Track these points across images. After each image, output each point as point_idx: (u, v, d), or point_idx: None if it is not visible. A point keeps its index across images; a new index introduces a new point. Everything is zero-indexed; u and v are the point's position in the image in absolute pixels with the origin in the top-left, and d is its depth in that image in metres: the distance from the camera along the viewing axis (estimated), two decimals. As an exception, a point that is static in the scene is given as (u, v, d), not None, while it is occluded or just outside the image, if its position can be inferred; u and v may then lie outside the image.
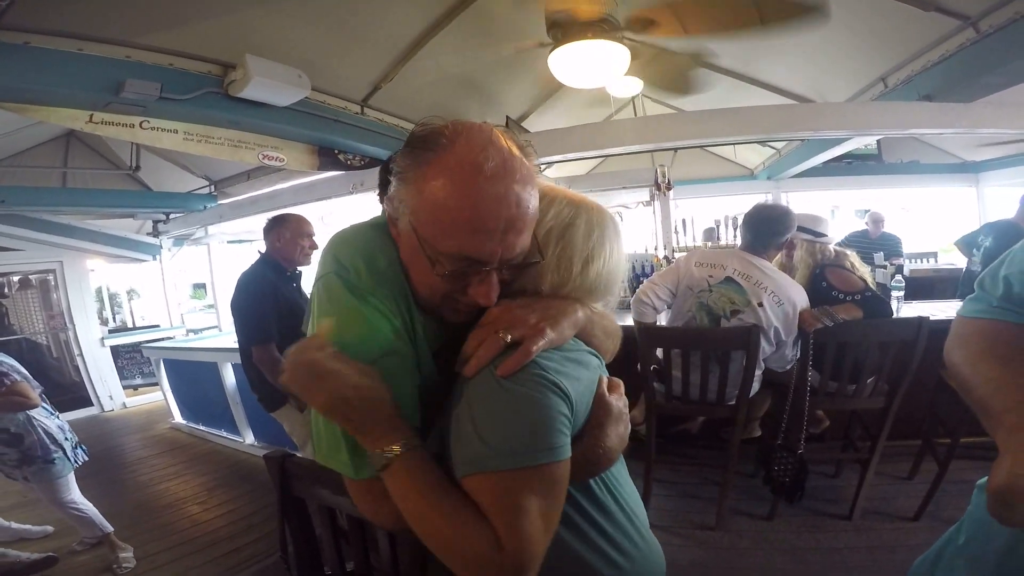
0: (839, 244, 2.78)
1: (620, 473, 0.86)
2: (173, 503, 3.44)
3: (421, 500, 0.66)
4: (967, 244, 4.21)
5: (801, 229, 2.51)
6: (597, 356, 0.82)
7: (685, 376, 2.32)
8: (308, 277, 2.58)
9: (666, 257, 4.22)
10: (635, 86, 4.47)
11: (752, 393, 2.36)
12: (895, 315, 2.57)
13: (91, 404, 6.08)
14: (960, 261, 4.99)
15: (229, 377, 4.11)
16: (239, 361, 2.67)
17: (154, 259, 6.58)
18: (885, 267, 4.48)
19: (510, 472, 0.64)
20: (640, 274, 4.22)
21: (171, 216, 6.07)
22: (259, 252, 2.66)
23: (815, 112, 3.85)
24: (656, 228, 4.45)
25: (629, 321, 2.49)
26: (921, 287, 4.81)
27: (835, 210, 7.53)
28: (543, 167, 3.94)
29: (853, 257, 2.59)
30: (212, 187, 5.72)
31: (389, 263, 0.75)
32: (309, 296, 2.24)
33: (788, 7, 3.25)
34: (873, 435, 2.38)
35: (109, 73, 2.55)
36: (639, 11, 3.31)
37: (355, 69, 3.54)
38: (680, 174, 5.25)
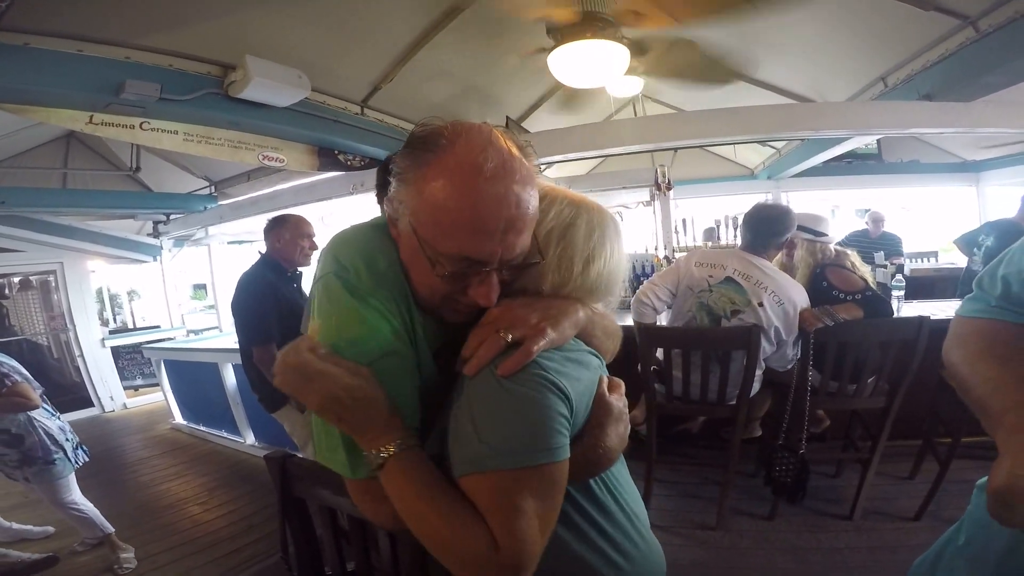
0: (839, 244, 2.78)
1: (621, 473, 0.86)
2: (174, 503, 3.44)
3: (417, 500, 0.66)
4: (967, 243, 4.20)
5: (802, 228, 2.51)
6: (598, 356, 0.82)
7: (686, 376, 2.32)
8: (308, 277, 2.58)
9: (666, 257, 4.21)
10: (635, 86, 4.47)
11: (753, 393, 2.36)
12: (895, 315, 2.57)
13: (92, 405, 6.08)
14: (960, 260, 4.99)
15: (230, 377, 4.11)
16: (240, 361, 2.68)
17: (154, 260, 6.58)
18: (885, 267, 4.48)
19: (508, 472, 0.64)
20: (640, 274, 4.22)
21: (171, 217, 6.07)
22: (259, 253, 2.66)
23: (815, 112, 3.85)
24: (656, 228, 4.45)
25: (629, 321, 2.48)
26: (921, 286, 4.81)
27: (835, 210, 7.53)
28: (543, 167, 3.94)
29: (854, 257, 2.59)
30: (212, 188, 5.73)
31: (389, 264, 0.75)
32: (308, 296, 2.23)
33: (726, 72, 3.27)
34: (874, 435, 2.37)
35: (109, 74, 2.56)
36: (625, 4, 3.29)
37: (355, 69, 3.54)
38: (680, 174, 5.25)
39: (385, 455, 0.67)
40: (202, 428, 4.78)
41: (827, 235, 2.58)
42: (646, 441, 2.46)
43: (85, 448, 2.74)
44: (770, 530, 2.41)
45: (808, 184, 6.43)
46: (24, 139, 4.60)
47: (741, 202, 6.04)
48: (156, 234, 6.35)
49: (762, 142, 5.58)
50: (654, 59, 4.02)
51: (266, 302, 2.44)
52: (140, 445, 4.83)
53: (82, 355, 6.10)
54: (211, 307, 7.10)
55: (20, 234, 5.49)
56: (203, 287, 8.08)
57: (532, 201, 0.71)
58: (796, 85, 4.27)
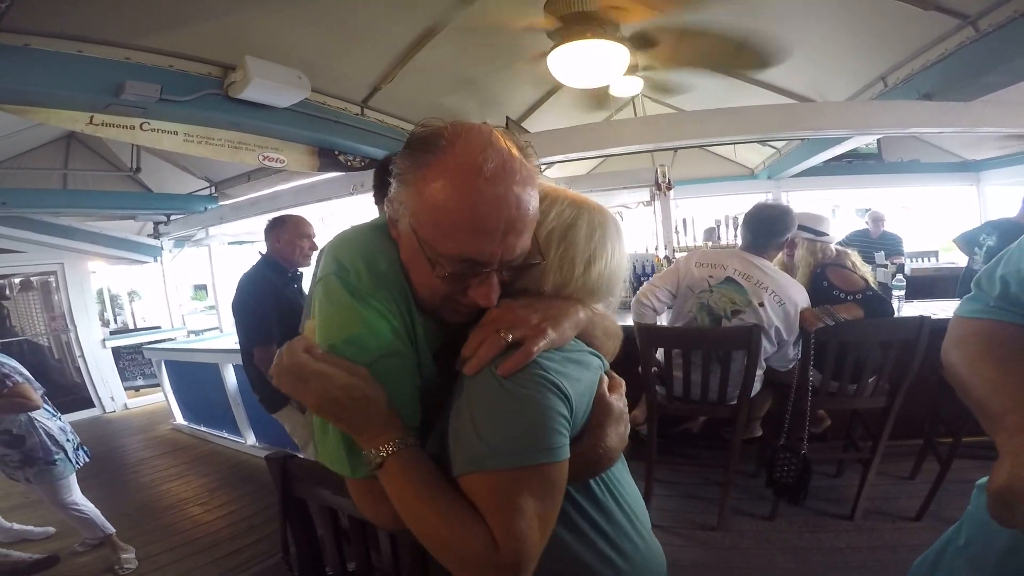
0: (840, 244, 2.77)
1: (621, 474, 0.86)
2: (174, 504, 3.45)
3: (416, 499, 0.66)
4: (967, 242, 4.19)
5: (802, 228, 2.51)
6: (598, 356, 0.82)
7: (686, 376, 2.32)
8: (309, 277, 2.58)
9: (667, 257, 4.21)
10: (635, 86, 4.47)
11: (753, 393, 2.36)
12: (896, 314, 2.57)
13: (93, 405, 6.08)
14: (961, 260, 4.98)
15: (230, 378, 4.11)
16: (240, 362, 2.68)
17: (155, 260, 6.58)
18: (886, 266, 4.47)
19: (508, 472, 0.64)
20: (641, 274, 4.22)
21: (172, 217, 6.08)
22: (260, 253, 2.66)
23: (815, 111, 3.85)
24: (657, 228, 4.45)
25: (629, 321, 2.48)
26: (922, 286, 4.80)
27: (836, 209, 7.52)
28: (543, 167, 3.94)
29: (854, 256, 2.59)
30: (213, 188, 5.73)
31: (390, 264, 0.75)
32: (307, 296, 2.23)
33: (763, 56, 3.27)
34: (874, 435, 2.37)
35: (109, 75, 2.56)
36: (644, 30, 3.30)
37: (355, 70, 3.54)
38: (680, 174, 5.25)
39: (384, 454, 0.67)
40: (203, 429, 4.78)
41: (828, 235, 2.58)
42: (647, 441, 2.46)
43: (86, 449, 2.75)
44: (771, 530, 2.41)
45: (808, 184, 6.44)
46: (24, 140, 4.61)
47: (741, 202, 6.04)
48: (156, 235, 6.35)
49: (762, 142, 5.58)
50: (659, 52, 3.99)
51: (267, 302, 2.45)
52: (141, 446, 4.84)
53: (83, 356, 6.10)
54: (212, 308, 7.10)
55: (21, 235, 5.50)
56: (204, 288, 8.08)
57: (532, 202, 0.71)
58: (796, 85, 4.26)
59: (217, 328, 6.29)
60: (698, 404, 2.39)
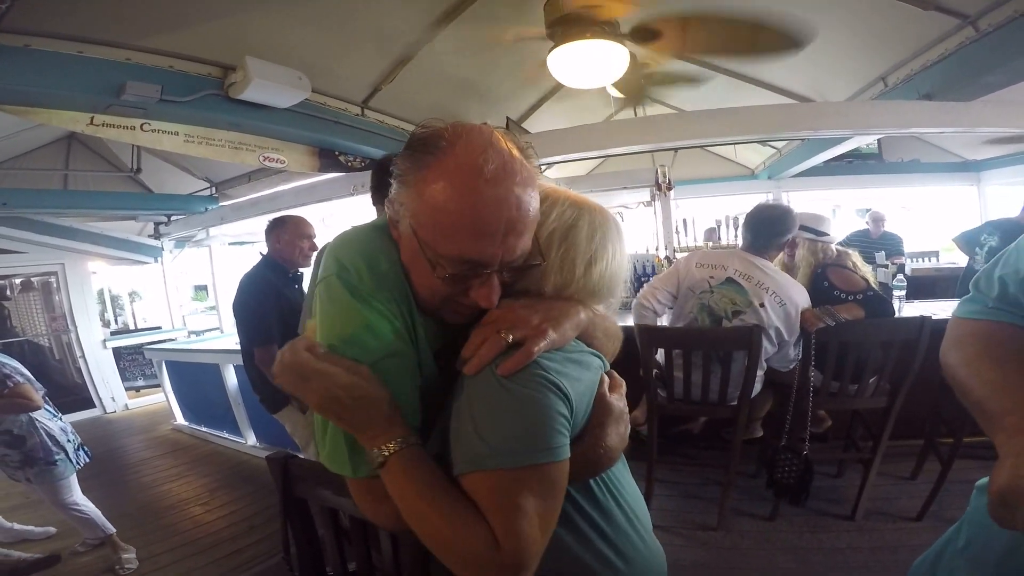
0: (840, 244, 2.78)
1: (622, 475, 0.86)
2: (175, 504, 3.45)
3: (418, 498, 0.66)
4: (968, 241, 4.18)
5: (803, 228, 2.51)
6: (599, 357, 0.82)
7: (687, 377, 2.32)
8: (309, 278, 2.58)
9: (667, 257, 4.21)
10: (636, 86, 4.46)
11: (754, 394, 2.36)
12: (897, 314, 2.57)
13: (93, 406, 6.09)
14: (962, 260, 4.98)
15: (231, 378, 4.11)
16: (241, 362, 2.68)
17: (156, 261, 6.59)
18: (886, 266, 4.47)
19: (509, 471, 0.64)
20: (641, 274, 4.22)
21: (172, 218, 6.09)
22: (261, 254, 2.66)
23: (815, 112, 3.85)
24: (657, 228, 4.45)
25: (630, 321, 2.48)
26: (923, 286, 4.80)
27: (836, 209, 7.52)
28: (543, 168, 3.94)
29: (855, 256, 2.59)
30: (213, 189, 5.74)
31: (391, 265, 0.75)
32: (306, 296, 2.21)
33: (780, 39, 3.27)
34: (875, 435, 2.37)
35: (110, 75, 2.57)
36: (645, 23, 3.29)
37: (355, 70, 3.55)
38: (681, 174, 5.25)
39: (387, 453, 0.67)
40: (203, 429, 4.78)
41: (829, 235, 2.58)
42: (647, 441, 2.46)
43: (87, 449, 2.75)
44: (771, 530, 2.41)
45: (809, 184, 6.43)
46: (25, 141, 4.61)
47: (742, 202, 6.05)
48: (157, 235, 6.36)
49: (762, 142, 5.58)
50: (661, 45, 3.96)
51: (267, 303, 2.45)
52: (141, 446, 4.84)
53: (84, 356, 6.11)
54: (212, 308, 7.11)
55: (21, 235, 5.50)
56: (204, 288, 8.09)
57: (533, 203, 0.71)
58: (796, 85, 4.26)
59: (218, 328, 6.30)
60: (698, 404, 2.38)
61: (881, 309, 2.30)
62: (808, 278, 2.50)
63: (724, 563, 2.24)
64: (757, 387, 2.40)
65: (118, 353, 6.43)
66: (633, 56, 3.52)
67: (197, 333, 6.55)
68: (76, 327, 6.11)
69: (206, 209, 5.71)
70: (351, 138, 3.81)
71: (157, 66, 2.74)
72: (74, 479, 2.64)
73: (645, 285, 2.55)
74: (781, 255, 2.52)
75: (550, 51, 3.30)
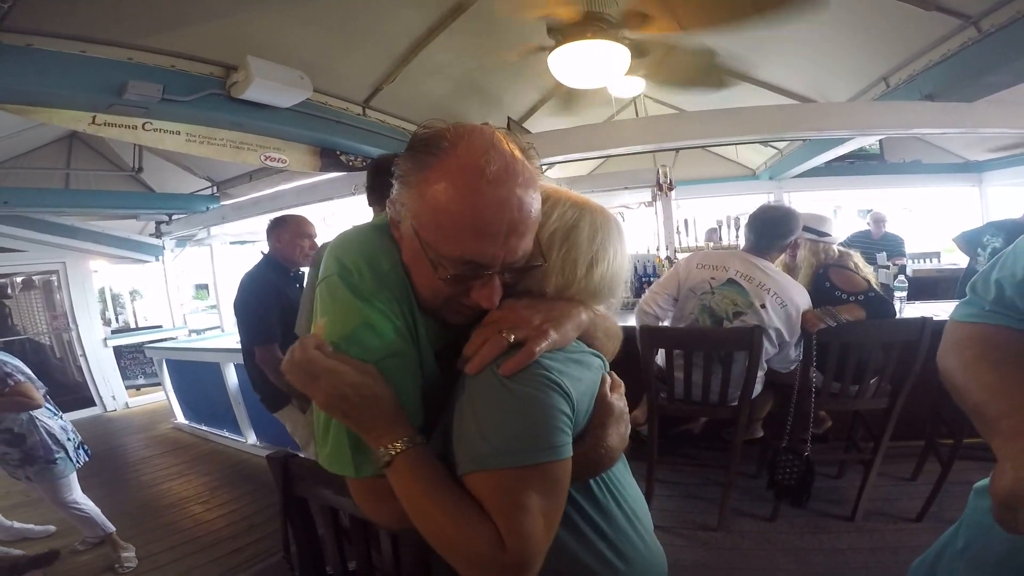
0: (842, 244, 2.77)
1: (623, 475, 0.86)
2: (175, 503, 3.45)
3: (424, 498, 0.66)
4: (969, 242, 4.17)
5: (805, 229, 2.51)
6: (600, 357, 0.82)
7: (687, 377, 2.32)
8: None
9: (668, 258, 4.21)
10: (637, 86, 4.47)
11: (754, 394, 2.36)
12: (898, 315, 2.56)
13: (94, 404, 6.09)
14: (963, 261, 4.98)
15: (231, 377, 4.12)
16: (241, 361, 2.68)
17: (157, 260, 6.60)
18: (888, 267, 4.47)
19: (511, 471, 0.64)
20: (642, 275, 4.22)
21: (174, 217, 6.09)
22: (262, 253, 2.66)
23: (817, 112, 3.85)
24: (658, 228, 4.45)
25: (630, 321, 2.49)
26: (924, 287, 4.80)
27: (837, 210, 7.51)
28: (544, 168, 3.93)
29: (857, 257, 2.59)
30: (214, 188, 5.74)
31: (392, 265, 0.75)
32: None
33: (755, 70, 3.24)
34: (876, 436, 2.37)
35: (111, 75, 2.57)
36: (632, 5, 3.28)
37: (357, 70, 3.55)
38: (682, 174, 5.25)
39: (393, 452, 0.67)
40: (204, 428, 4.78)
41: (830, 235, 2.57)
42: (648, 441, 2.46)
43: (87, 447, 2.75)
44: (772, 531, 2.41)
45: (810, 184, 6.43)
46: (27, 140, 4.62)
47: (743, 202, 6.05)
48: (158, 234, 6.37)
49: (764, 142, 5.58)
50: (653, 62, 4.01)
51: (268, 302, 2.45)
52: (142, 444, 4.84)
53: (84, 355, 6.11)
54: (213, 307, 7.11)
55: (23, 234, 5.51)
56: (205, 287, 8.08)
57: (535, 204, 0.71)
58: (798, 85, 4.26)
59: (218, 327, 6.31)
60: (699, 405, 2.38)
61: (882, 310, 2.30)
62: (809, 278, 2.50)
63: (724, 563, 2.24)
64: (758, 388, 2.40)
65: (119, 352, 6.43)
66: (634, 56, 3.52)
67: (198, 332, 6.56)
68: (77, 325, 6.12)
69: (207, 208, 5.71)
70: (352, 138, 3.81)
71: (159, 65, 2.74)
72: (74, 477, 2.64)
73: (647, 290, 2.56)
74: (783, 256, 2.52)
75: (551, 51, 3.30)
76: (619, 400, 0.81)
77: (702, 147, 5.90)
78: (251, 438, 4.16)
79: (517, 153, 0.70)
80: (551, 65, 3.39)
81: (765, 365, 2.37)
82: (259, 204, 5.23)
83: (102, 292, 7.25)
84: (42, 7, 2.21)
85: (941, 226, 7.13)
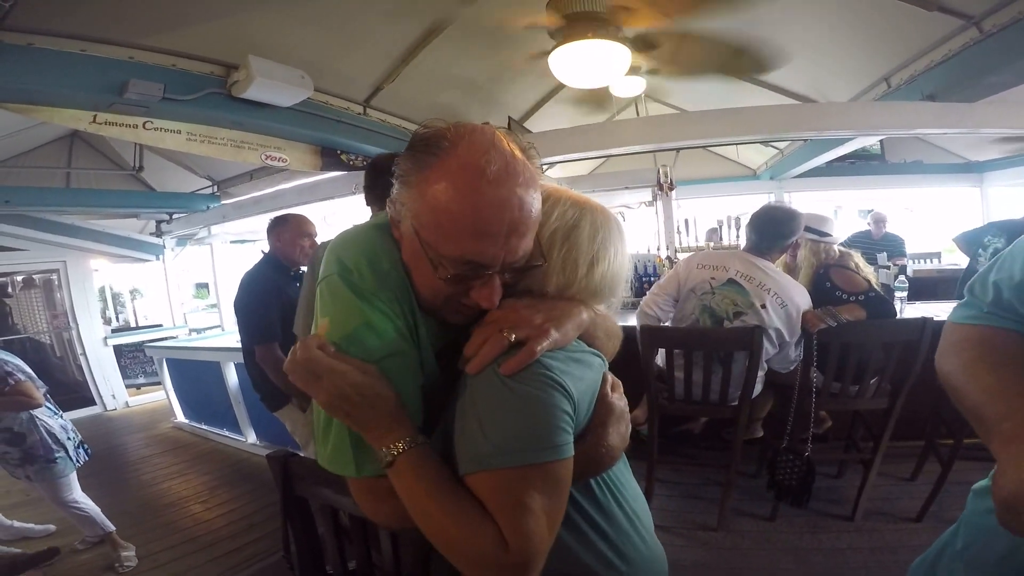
0: (842, 245, 2.77)
1: (623, 475, 0.86)
2: (175, 502, 3.45)
3: (426, 498, 0.66)
4: (969, 242, 4.16)
5: (806, 229, 2.50)
6: (600, 356, 0.82)
7: (688, 377, 2.32)
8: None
9: (668, 257, 4.21)
10: (637, 86, 4.47)
11: (755, 394, 2.36)
12: (899, 316, 2.56)
13: (94, 403, 6.09)
14: (964, 262, 4.97)
15: (232, 376, 4.12)
16: (242, 360, 2.68)
17: (157, 259, 6.60)
18: (888, 267, 4.46)
19: (513, 470, 0.64)
20: (643, 274, 4.22)
21: (174, 216, 6.09)
22: (262, 252, 2.66)
23: (818, 112, 3.84)
24: (659, 228, 4.45)
25: (631, 321, 2.49)
26: (925, 288, 4.79)
27: (838, 210, 7.50)
28: (545, 168, 3.93)
29: (857, 257, 2.59)
30: (215, 187, 5.74)
31: (392, 264, 0.75)
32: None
33: (764, 60, 3.22)
34: (876, 436, 2.37)
35: (112, 74, 2.57)
36: (646, 34, 3.28)
37: (357, 70, 3.55)
38: (682, 174, 5.24)
39: (395, 452, 0.67)
40: (204, 427, 4.79)
41: (831, 235, 2.57)
42: (648, 441, 2.46)
43: (87, 447, 2.75)
44: (772, 531, 2.41)
45: (811, 185, 6.42)
46: (28, 138, 4.62)
47: (744, 202, 6.04)
48: (159, 233, 6.37)
49: (765, 142, 5.57)
50: (661, 55, 3.97)
51: (269, 301, 2.45)
52: (142, 444, 4.85)
53: (84, 354, 6.12)
54: (213, 306, 7.12)
55: (23, 233, 5.51)
56: (205, 286, 8.09)
57: (535, 204, 0.71)
58: (799, 86, 4.26)
59: (219, 326, 6.31)
60: (699, 405, 2.38)
61: (883, 310, 2.30)
62: (810, 278, 2.50)
63: (724, 563, 2.24)
64: (758, 388, 2.40)
65: (119, 351, 6.43)
66: (634, 56, 3.52)
67: (198, 331, 6.56)
68: (77, 324, 6.12)
69: (208, 207, 5.71)
70: (353, 137, 3.81)
71: (160, 65, 2.74)
72: (74, 477, 2.65)
73: (648, 292, 2.56)
74: (783, 256, 2.52)
75: (552, 51, 3.30)
76: (620, 399, 0.81)
77: (703, 147, 5.89)
78: (251, 437, 4.16)
79: (518, 153, 0.70)
80: (551, 65, 3.39)
81: (765, 365, 2.37)
82: (260, 203, 5.23)
83: (102, 291, 7.26)
84: (43, 6, 2.21)
85: (942, 226, 7.13)
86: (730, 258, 2.39)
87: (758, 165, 6.71)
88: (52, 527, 2.98)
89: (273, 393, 2.53)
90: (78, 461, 2.65)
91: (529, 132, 4.51)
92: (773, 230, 2.36)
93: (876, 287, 2.45)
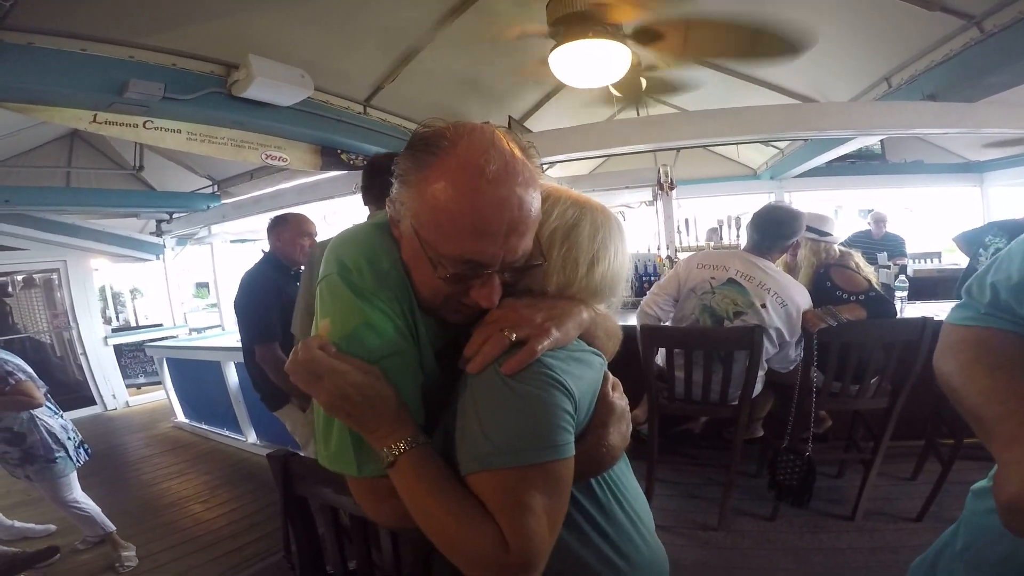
0: (843, 244, 2.77)
1: (624, 475, 0.86)
2: (175, 502, 3.45)
3: (427, 498, 0.66)
4: (969, 242, 4.15)
5: (807, 228, 2.50)
6: (600, 356, 0.82)
7: (688, 376, 2.32)
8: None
9: (668, 257, 4.21)
10: (638, 85, 4.46)
11: (755, 394, 2.36)
12: (899, 315, 2.56)
13: (94, 403, 6.10)
14: (965, 262, 4.97)
15: (232, 376, 4.12)
16: (242, 360, 2.68)
17: (157, 258, 6.60)
18: (889, 267, 4.46)
19: (515, 470, 0.64)
20: (643, 274, 4.22)
21: (174, 216, 6.09)
22: (263, 251, 2.67)
23: (818, 112, 3.84)
24: (659, 228, 4.45)
25: (631, 321, 2.49)
26: (925, 287, 4.79)
27: (838, 210, 7.50)
28: (545, 167, 3.94)
29: (858, 257, 2.58)
30: (215, 187, 5.75)
31: (392, 264, 0.75)
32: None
33: (778, 44, 3.29)
34: (876, 435, 2.37)
35: (113, 73, 2.57)
36: (648, 24, 3.27)
37: (358, 69, 3.55)
38: (683, 174, 5.24)
39: (396, 452, 0.67)
40: (204, 426, 4.79)
41: (832, 235, 2.57)
42: (648, 441, 2.46)
43: (87, 446, 2.75)
44: (772, 530, 2.41)
45: (811, 184, 6.42)
46: (28, 138, 4.62)
47: (744, 202, 6.04)
48: (159, 232, 6.37)
49: (765, 142, 5.57)
50: (663, 47, 3.94)
51: (269, 300, 2.45)
52: (142, 443, 4.85)
53: (85, 353, 6.12)
54: (213, 305, 7.11)
55: (24, 232, 5.51)
56: (206, 285, 8.10)
57: (535, 203, 0.70)
58: (799, 85, 4.25)
59: (219, 326, 6.31)
60: (700, 404, 2.39)
61: (883, 310, 2.30)
62: (810, 278, 2.50)
63: (725, 563, 2.24)
64: (758, 387, 2.40)
65: (119, 350, 6.44)
66: (635, 56, 3.51)
67: (198, 330, 6.56)
68: (77, 324, 6.12)
69: (208, 207, 5.71)
70: (353, 136, 3.81)
71: (160, 64, 2.74)
72: (74, 476, 2.65)
73: (648, 292, 2.56)
74: (784, 256, 2.52)
75: (552, 50, 3.29)
76: (620, 399, 0.81)
77: (703, 147, 5.89)
78: (251, 437, 4.17)
79: (517, 152, 0.70)
80: (552, 64, 3.38)
81: (765, 365, 2.37)
82: (260, 203, 5.23)
83: (103, 290, 7.26)
84: (43, 6, 2.21)
85: (942, 226, 7.13)
86: (730, 258, 2.39)
87: (758, 165, 6.71)
88: (52, 527, 2.98)
89: (273, 393, 2.53)
90: (78, 461, 2.65)
91: (529, 131, 4.50)
92: (775, 230, 2.36)
93: (876, 287, 2.45)
